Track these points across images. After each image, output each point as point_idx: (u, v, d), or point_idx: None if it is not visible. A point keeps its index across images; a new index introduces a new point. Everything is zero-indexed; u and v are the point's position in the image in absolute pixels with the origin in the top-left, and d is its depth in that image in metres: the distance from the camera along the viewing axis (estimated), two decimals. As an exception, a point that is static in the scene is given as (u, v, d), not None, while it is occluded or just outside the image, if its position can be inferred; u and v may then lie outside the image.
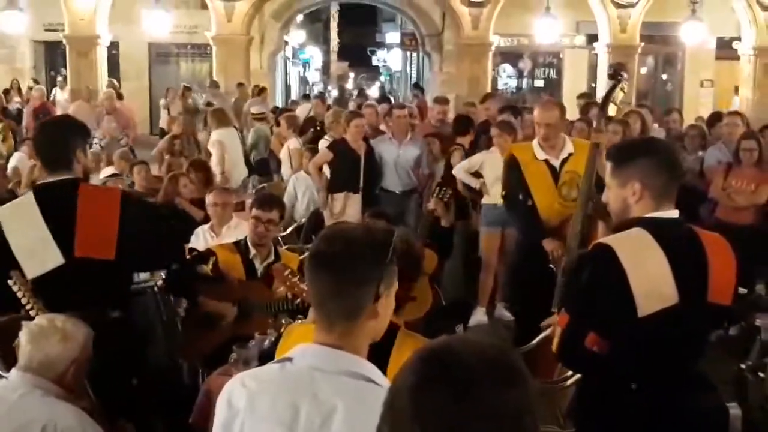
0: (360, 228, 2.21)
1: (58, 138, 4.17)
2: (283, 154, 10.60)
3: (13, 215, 4.02)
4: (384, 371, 2.14)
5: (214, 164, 10.08)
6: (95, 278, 3.98)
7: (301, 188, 9.24)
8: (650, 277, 2.99)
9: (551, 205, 5.95)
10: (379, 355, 2.29)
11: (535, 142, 6.17)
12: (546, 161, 6.04)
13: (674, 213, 3.14)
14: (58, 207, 4.00)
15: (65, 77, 17.29)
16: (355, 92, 27.74)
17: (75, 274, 3.93)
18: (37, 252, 3.97)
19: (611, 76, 5.70)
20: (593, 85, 20.33)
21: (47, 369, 3.35)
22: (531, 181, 6.02)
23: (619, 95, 5.61)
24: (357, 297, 2.07)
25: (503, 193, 6.43)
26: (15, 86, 18.29)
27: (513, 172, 6.15)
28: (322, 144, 9.53)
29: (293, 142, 10.45)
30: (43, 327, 3.41)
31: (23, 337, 3.40)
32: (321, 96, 16.68)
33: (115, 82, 16.92)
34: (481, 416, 1.29)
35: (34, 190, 4.17)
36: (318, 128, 11.43)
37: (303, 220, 8.95)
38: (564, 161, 6.03)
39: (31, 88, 17.16)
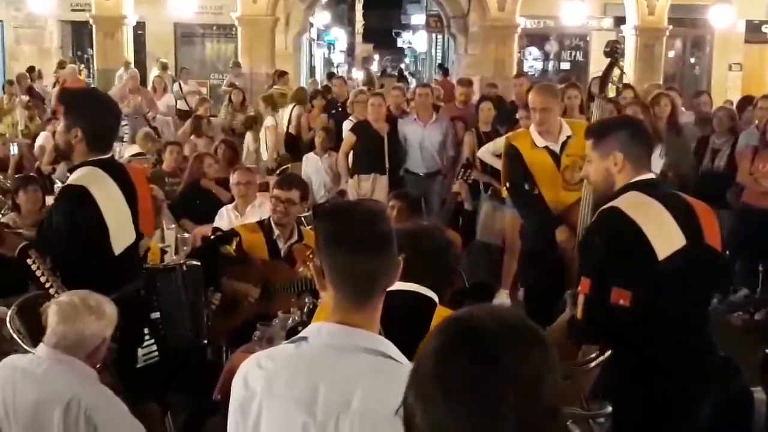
0: (372, 203, 2.19)
1: (113, 117, 4.21)
2: (261, 135, 10.86)
3: (100, 190, 3.92)
4: None
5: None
6: (135, 253, 4.10)
7: (311, 169, 9.26)
8: (659, 224, 3.32)
9: (556, 193, 5.70)
10: (417, 330, 2.28)
11: (532, 128, 5.88)
12: (546, 148, 5.75)
13: (651, 175, 3.54)
14: (123, 184, 4.04)
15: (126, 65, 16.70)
16: (379, 74, 27.71)
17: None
18: (124, 227, 4.01)
19: (608, 54, 5.62)
20: (620, 67, 20.15)
21: (79, 347, 3.35)
22: (534, 170, 5.75)
23: (616, 74, 5.52)
24: (392, 273, 2.10)
25: (506, 184, 6.13)
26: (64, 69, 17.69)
27: (514, 161, 5.87)
28: (346, 126, 9.54)
29: (269, 120, 10.70)
30: (76, 305, 3.38)
31: (53, 315, 3.37)
32: (341, 77, 16.55)
33: (166, 62, 16.73)
34: (500, 377, 1.32)
35: (99, 166, 4.01)
36: (339, 109, 11.42)
37: (321, 200, 8.96)
38: (563, 145, 5.74)
39: (63, 67, 17.13)
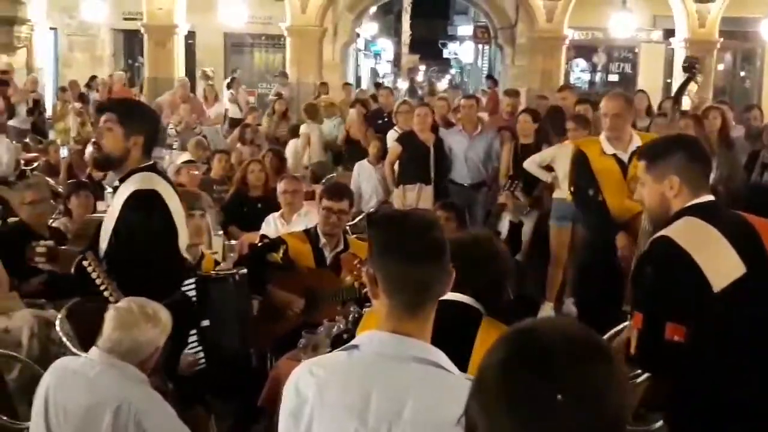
0: (425, 213, 2.21)
1: (160, 124, 4.32)
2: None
3: (166, 193, 4.02)
4: (468, 358, 2.13)
5: (291, 153, 10.35)
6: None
7: (365, 177, 9.28)
8: (714, 253, 3.08)
9: (621, 201, 5.77)
10: (463, 342, 2.28)
11: (602, 136, 5.99)
12: (614, 156, 5.85)
13: (711, 197, 3.27)
14: (173, 189, 4.17)
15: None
16: (426, 85, 27.70)
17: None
18: (184, 228, 4.13)
19: (686, 69, 5.61)
20: (669, 81, 19.94)
21: (133, 354, 3.39)
22: (600, 177, 5.85)
23: (693, 88, 5.51)
24: (446, 282, 2.11)
25: (571, 189, 6.26)
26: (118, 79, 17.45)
27: (581, 167, 5.98)
28: (391, 136, 9.56)
29: (303, 128, 11.41)
30: (133, 312, 3.43)
31: (110, 320, 3.42)
32: (388, 87, 16.57)
33: (209, 71, 16.90)
34: (565, 391, 1.31)
35: (152, 171, 4.12)
36: (385, 119, 11.46)
37: (371, 209, 8.97)
38: (632, 155, 5.74)
39: (111, 76, 17.45)
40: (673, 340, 3.02)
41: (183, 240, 4.13)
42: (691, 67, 5.58)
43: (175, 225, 4.00)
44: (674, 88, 17.39)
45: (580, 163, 6.00)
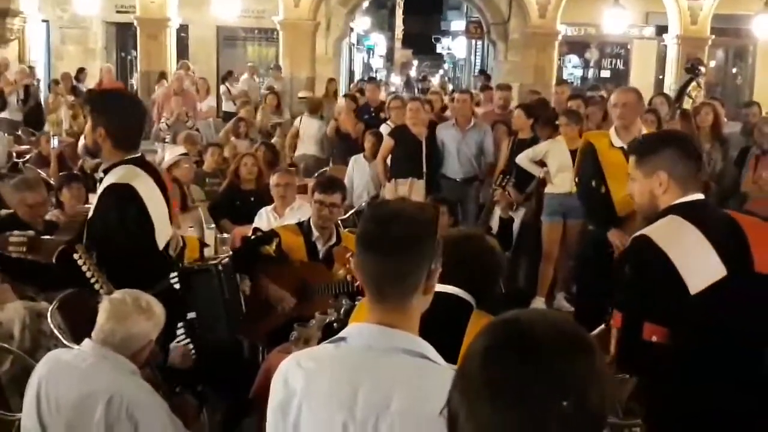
0: (408, 205, 2.20)
1: (135, 117, 4.28)
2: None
3: (143, 187, 4.00)
4: (458, 350, 2.15)
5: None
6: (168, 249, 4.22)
7: (358, 172, 9.28)
8: (693, 255, 3.03)
9: (626, 194, 5.81)
10: (453, 334, 2.29)
11: (612, 129, 6.03)
12: (622, 148, 5.79)
13: (700, 195, 3.25)
14: (158, 181, 4.14)
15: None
16: (421, 79, 27.72)
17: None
18: (164, 223, 4.12)
19: (688, 70, 5.64)
20: (661, 77, 19.99)
21: (126, 346, 3.40)
22: (607, 169, 5.87)
23: (694, 90, 5.54)
24: (418, 275, 2.08)
25: (575, 179, 6.33)
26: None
27: (588, 158, 6.01)
28: (383, 130, 9.57)
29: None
30: (127, 304, 3.45)
31: (104, 311, 3.43)
32: (374, 81, 16.48)
33: (189, 63, 16.99)
34: (548, 380, 1.31)
35: (134, 164, 4.10)
36: (372, 113, 11.47)
37: (363, 204, 8.98)
38: None
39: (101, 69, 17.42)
40: (651, 340, 3.00)
41: (163, 235, 4.10)
42: (694, 68, 5.61)
43: (152, 220, 3.98)
44: (666, 84, 17.49)
45: (588, 155, 6.03)
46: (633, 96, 6.00)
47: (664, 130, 6.78)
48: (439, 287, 2.23)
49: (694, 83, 5.54)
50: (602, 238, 5.85)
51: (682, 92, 5.58)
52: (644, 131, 5.96)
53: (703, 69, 5.61)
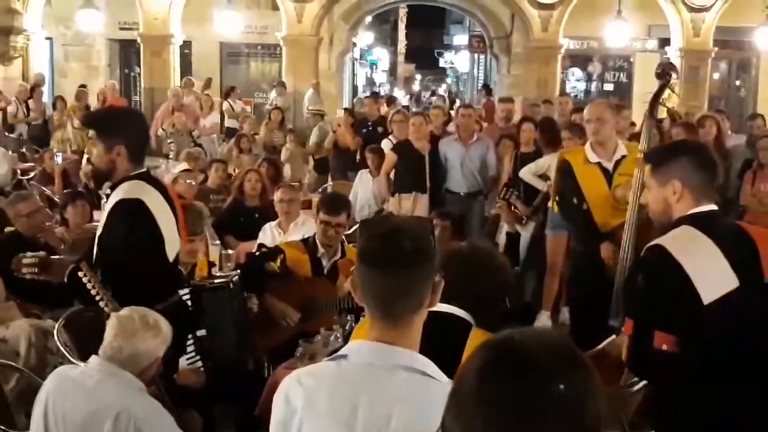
0: (407, 220, 2.21)
1: (146, 130, 4.31)
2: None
3: (152, 201, 4.02)
4: (457, 367, 2.14)
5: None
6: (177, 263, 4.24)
7: (362, 186, 9.30)
8: (706, 266, 3.06)
9: (606, 209, 5.72)
10: (452, 351, 2.28)
11: (587, 145, 5.94)
12: (599, 164, 5.81)
13: (713, 206, 3.25)
14: (166, 197, 4.16)
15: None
16: (428, 94, 27.70)
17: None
18: (173, 236, 4.14)
19: (659, 76, 5.51)
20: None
21: (133, 363, 3.41)
22: (584, 185, 5.81)
23: (669, 97, 5.44)
24: (424, 291, 2.09)
25: (556, 198, 6.22)
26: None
27: (565, 176, 5.94)
28: (386, 145, 9.59)
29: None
30: (134, 321, 3.46)
31: (111, 328, 3.44)
32: (374, 95, 16.48)
33: (194, 80, 17.03)
34: (543, 397, 1.31)
35: (141, 179, 4.12)
36: (370, 128, 11.50)
37: (364, 218, 8.99)
38: (617, 163, 5.77)
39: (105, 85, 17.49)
40: (661, 348, 3.03)
41: (173, 249, 4.12)
42: (665, 74, 5.48)
43: (162, 234, 4.00)
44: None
45: (565, 172, 5.96)
46: (605, 110, 5.91)
47: (682, 139, 6.75)
48: (438, 306, 2.22)
49: (667, 91, 5.39)
50: (589, 255, 5.77)
51: (654, 102, 5.46)
52: (621, 146, 5.90)
53: (675, 75, 5.45)
